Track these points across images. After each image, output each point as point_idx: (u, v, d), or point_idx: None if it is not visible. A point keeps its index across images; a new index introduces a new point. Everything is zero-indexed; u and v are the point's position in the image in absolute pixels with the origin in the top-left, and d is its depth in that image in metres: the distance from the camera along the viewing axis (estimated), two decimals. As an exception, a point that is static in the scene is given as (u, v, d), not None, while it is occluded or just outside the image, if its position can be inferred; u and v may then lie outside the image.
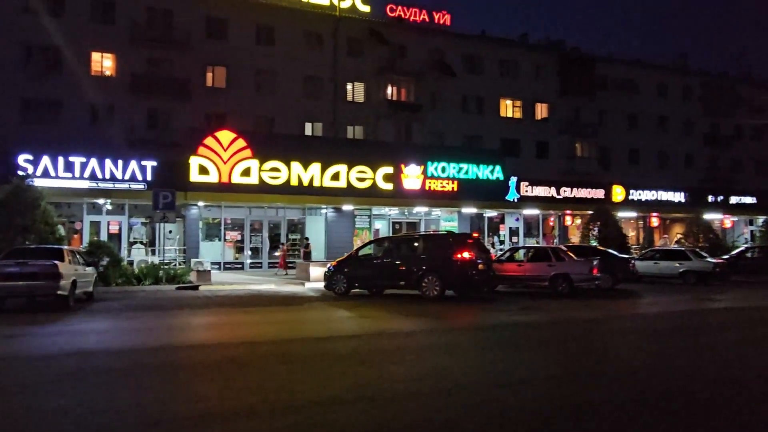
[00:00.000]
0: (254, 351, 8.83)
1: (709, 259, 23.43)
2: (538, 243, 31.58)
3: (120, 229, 23.87)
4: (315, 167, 23.70)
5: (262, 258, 25.82)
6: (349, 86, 37.27)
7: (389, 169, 24.99)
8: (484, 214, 30.63)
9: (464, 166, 26.34)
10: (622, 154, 44.49)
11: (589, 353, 9.00)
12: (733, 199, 33.90)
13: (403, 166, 25.20)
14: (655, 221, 33.68)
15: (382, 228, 28.48)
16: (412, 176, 25.42)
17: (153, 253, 23.86)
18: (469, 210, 28.20)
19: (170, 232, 25.36)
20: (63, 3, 30.51)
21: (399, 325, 11.90)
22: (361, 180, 24.66)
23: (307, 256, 21.61)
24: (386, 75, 37.94)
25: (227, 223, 25.23)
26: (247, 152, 22.55)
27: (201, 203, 23.57)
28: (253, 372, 7.41)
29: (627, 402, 6.06)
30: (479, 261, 16.68)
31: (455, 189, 26.18)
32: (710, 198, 33.39)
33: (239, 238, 25.37)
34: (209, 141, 22.07)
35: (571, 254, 19.56)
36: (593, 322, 12.58)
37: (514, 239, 31.12)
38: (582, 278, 18.47)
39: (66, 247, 15.51)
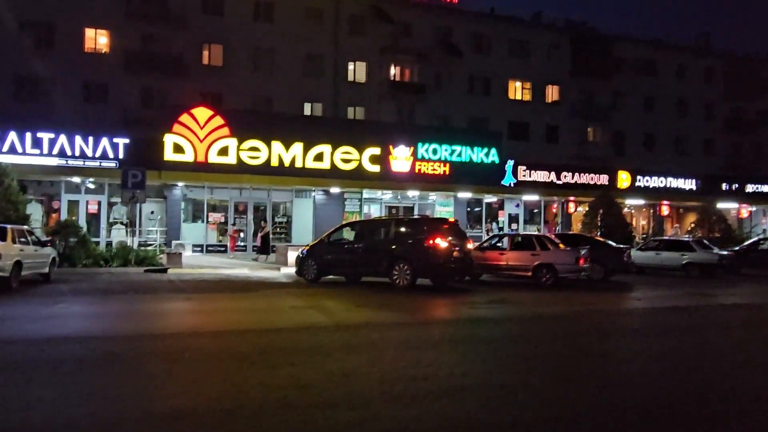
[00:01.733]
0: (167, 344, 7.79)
1: (715, 251, 21.48)
2: (539, 230, 29.77)
3: (99, 209, 22.94)
4: (297, 147, 22.27)
5: (246, 241, 24.70)
6: (350, 66, 35.62)
7: (376, 150, 23.43)
8: (484, 200, 28.95)
9: (457, 148, 24.60)
10: (636, 140, 41.98)
11: (532, 358, 7.55)
12: (750, 187, 31.37)
13: (391, 147, 23.60)
14: (665, 210, 31.46)
15: (374, 212, 27.05)
16: (400, 158, 23.83)
17: (134, 234, 22.94)
18: (465, 195, 26.54)
19: (152, 212, 24.39)
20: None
21: (344, 318, 10.61)
22: (346, 161, 23.17)
23: (264, 240, 20.25)
24: (389, 54, 36.15)
25: (210, 205, 24.13)
26: (225, 130, 21.24)
27: (181, 183, 22.46)
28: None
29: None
30: (454, 248, 15.08)
31: (447, 172, 24.50)
32: (724, 186, 30.96)
33: (223, 220, 24.26)
34: (185, 118, 20.80)
35: (558, 242, 17.91)
36: (562, 319, 11.04)
37: (514, 226, 29.35)
38: (567, 269, 16.83)
39: (11, 225, 14.51)
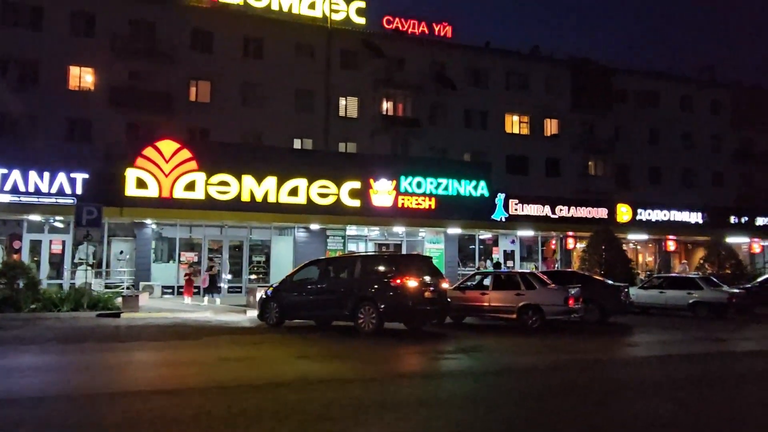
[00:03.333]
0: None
1: (724, 288, 19.30)
2: (536, 268, 27.71)
3: (63, 249, 21.51)
4: (270, 181, 20.70)
5: (220, 282, 22.99)
6: (342, 101, 34.51)
7: (356, 184, 21.78)
8: (477, 236, 27.07)
9: (443, 181, 22.85)
10: (641, 173, 40.02)
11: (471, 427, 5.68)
12: (761, 221, 29.03)
13: (372, 180, 21.94)
14: (671, 245, 29.24)
15: (359, 251, 25.27)
16: (382, 192, 22.14)
17: (99, 275, 21.43)
18: (455, 230, 24.71)
19: (121, 252, 22.85)
20: (41, 15, 29.05)
21: (271, 373, 8.79)
22: (324, 196, 21.53)
23: (213, 281, 18.46)
24: (382, 88, 35.02)
25: (183, 243, 22.55)
26: (192, 164, 19.80)
27: (149, 221, 20.99)
28: None
29: None
30: (426, 288, 13.16)
31: (433, 207, 22.73)
32: (733, 219, 28.72)
33: (196, 259, 22.64)
34: (149, 151, 19.43)
35: (546, 281, 15.96)
36: (535, 373, 9.01)
37: (509, 263, 27.34)
38: (556, 310, 14.79)
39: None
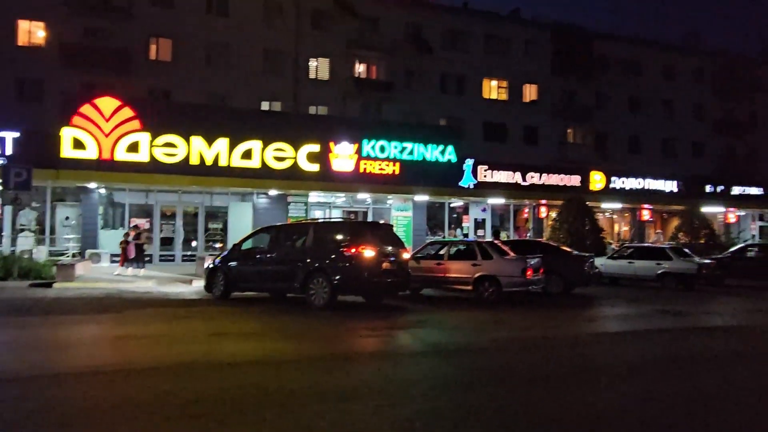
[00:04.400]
0: None
1: (694, 259, 18.34)
2: (508, 237, 26.63)
3: (2, 214, 19.98)
4: (221, 143, 19.15)
5: (174, 250, 21.67)
6: (312, 62, 32.69)
7: (315, 147, 20.31)
8: (447, 204, 25.84)
9: (408, 145, 21.42)
10: (621, 141, 38.80)
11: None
12: (736, 190, 28.00)
13: (332, 144, 20.49)
14: (646, 214, 28.24)
15: (325, 218, 23.93)
16: (343, 156, 20.70)
17: (43, 242, 20.01)
18: (422, 198, 23.45)
19: (67, 218, 21.36)
20: (-15, -35, 26.79)
21: (179, 353, 7.55)
22: (280, 159, 20.06)
23: (140, 250, 17.09)
24: (354, 50, 33.21)
25: (133, 209, 21.09)
26: (136, 123, 18.17)
27: (93, 185, 19.46)
28: None
29: None
30: (384, 258, 11.96)
31: (397, 172, 21.34)
32: (709, 188, 27.68)
33: (147, 226, 21.21)
34: (86, 109, 17.73)
35: (506, 250, 14.84)
36: (464, 354, 7.88)
37: (480, 232, 26.24)
38: (513, 281, 13.71)
39: None
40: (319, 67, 32.65)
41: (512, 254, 14.53)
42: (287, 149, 20.01)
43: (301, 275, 12.03)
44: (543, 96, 37.14)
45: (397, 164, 21.35)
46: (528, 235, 26.66)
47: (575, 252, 16.57)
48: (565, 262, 15.62)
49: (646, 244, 21.84)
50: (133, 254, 16.68)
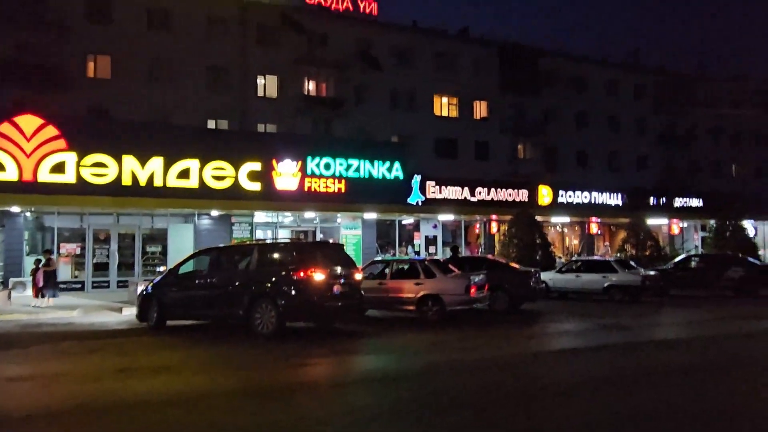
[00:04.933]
0: None
1: (639, 271, 18.36)
2: (460, 253, 26.30)
3: None
4: (156, 162, 18.11)
5: (109, 276, 20.36)
6: (260, 79, 31.96)
7: (256, 166, 19.50)
8: (398, 221, 25.35)
9: (354, 162, 20.86)
10: (569, 156, 39.36)
11: None
12: (678, 202, 28.66)
13: (275, 161, 19.78)
14: (594, 227, 28.49)
15: (273, 238, 23.02)
16: (286, 174, 19.96)
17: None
18: (371, 216, 22.90)
19: (-11, 244, 19.90)
20: None
21: (64, 397, 6.67)
22: (219, 179, 19.15)
23: (49, 277, 15.85)
24: (303, 67, 32.63)
25: (62, 233, 19.72)
26: (61, 143, 16.95)
27: (16, 208, 18.05)
28: None
29: None
30: (335, 280, 11.15)
31: (343, 190, 20.73)
32: (652, 200, 28.21)
33: (78, 251, 19.90)
34: (5, 128, 16.41)
35: (450, 268, 14.40)
36: (380, 383, 7.31)
37: (431, 249, 25.85)
38: (457, 300, 13.24)
39: None
40: (267, 84, 31.92)
41: (456, 272, 14.10)
42: (227, 168, 19.13)
43: (245, 301, 11.13)
44: (493, 112, 37.39)
45: (343, 182, 20.74)
46: (480, 250, 26.44)
47: (521, 267, 16.26)
48: (511, 278, 15.27)
49: (592, 258, 21.87)
50: (41, 283, 15.34)
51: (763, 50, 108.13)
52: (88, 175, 17.39)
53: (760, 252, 32.20)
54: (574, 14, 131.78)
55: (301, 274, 10.87)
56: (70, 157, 17.08)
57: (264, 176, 19.57)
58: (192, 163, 18.57)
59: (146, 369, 8.41)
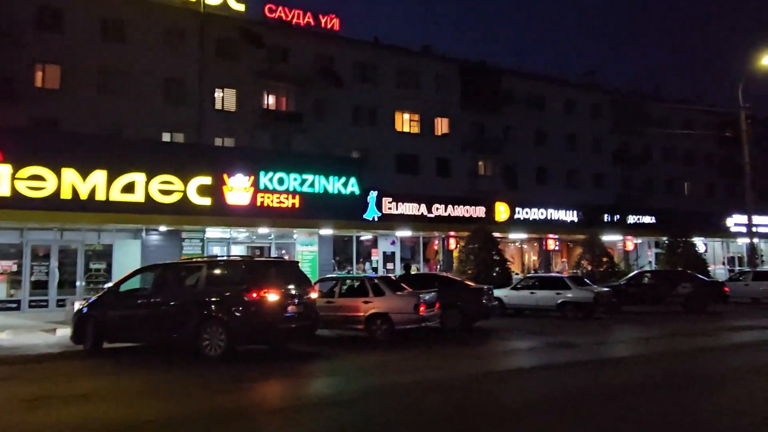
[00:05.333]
0: None
1: (592, 288, 18.38)
2: (418, 270, 26.06)
3: None
4: (98, 176, 17.27)
5: (48, 294, 19.28)
6: (218, 93, 31.35)
7: (206, 180, 18.85)
8: (357, 237, 24.95)
9: (309, 177, 20.43)
10: (529, 173, 39.79)
11: None
12: (631, 219, 29.20)
13: (226, 176, 19.20)
14: (551, 244, 28.69)
15: (227, 255, 22.27)
16: (238, 189, 19.38)
17: None
18: (328, 232, 22.45)
19: None
20: None
21: None
22: (167, 193, 18.42)
23: None
24: (263, 81, 32.13)
25: (-2, 249, 18.58)
26: (-6, 155, 16.19)
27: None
28: None
29: None
30: (290, 300, 10.56)
31: (297, 205, 20.25)
32: (607, 217, 28.67)
33: (15, 268, 18.80)
34: (-67, 139, 15.62)
35: (401, 286, 14.04)
36: (331, 405, 6.85)
37: (389, 266, 25.51)
38: (406, 318, 12.88)
39: None
40: (225, 98, 31.32)
41: (407, 290, 13.76)
42: (175, 182, 18.42)
43: (193, 322, 10.44)
44: (454, 129, 37.56)
45: (298, 197, 20.25)
46: (438, 267, 26.22)
47: (473, 284, 16.04)
48: (463, 296, 15.00)
49: (546, 274, 21.87)
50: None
51: (712, 74, 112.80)
52: (23, 188, 16.46)
53: (710, 268, 32.98)
54: (534, 34, 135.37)
55: (254, 294, 10.27)
56: (4, 169, 16.15)
57: (214, 191, 18.93)
58: (138, 177, 17.81)
59: (62, 398, 7.71)
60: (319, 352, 11.58)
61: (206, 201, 18.84)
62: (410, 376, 9.06)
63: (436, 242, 26.90)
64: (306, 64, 32.89)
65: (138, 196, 17.87)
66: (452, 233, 25.72)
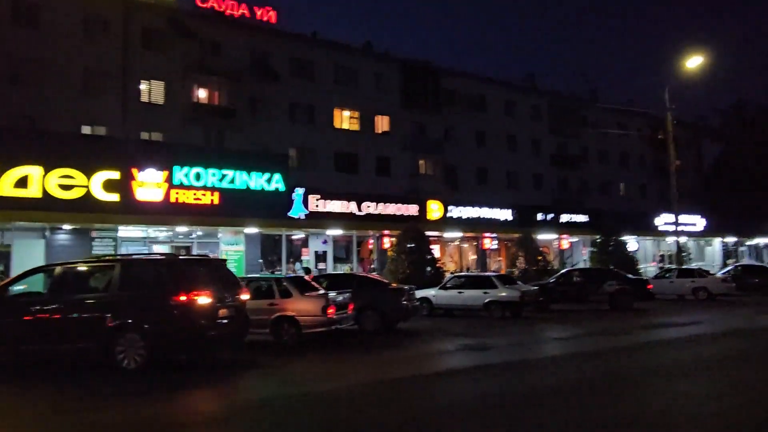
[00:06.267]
0: None
1: (519, 287, 17.91)
2: (351, 270, 25.14)
3: None
4: (-15, 169, 15.67)
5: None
6: (143, 85, 29.46)
7: (113, 174, 17.28)
8: (288, 236, 23.76)
9: (229, 173, 19.12)
10: (470, 173, 39.53)
11: None
12: (564, 218, 29.24)
13: (135, 170, 17.71)
14: (487, 242, 28.34)
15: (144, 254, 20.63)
16: (149, 184, 17.95)
17: None
18: (253, 230, 21.20)
19: None
20: None
21: None
22: (67, 188, 16.77)
23: None
24: (194, 75, 30.36)
25: None
26: None
27: None
28: None
29: None
30: (220, 304, 9.47)
31: (216, 202, 18.95)
32: (540, 216, 28.59)
33: None
34: None
35: (313, 286, 13.04)
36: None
37: (321, 266, 24.46)
38: (315, 321, 11.89)
39: None
40: (152, 90, 29.44)
41: (320, 290, 12.77)
42: (77, 176, 16.77)
43: (104, 331, 8.95)
44: (395, 128, 36.84)
45: (217, 193, 18.91)
46: (372, 266, 25.38)
47: (394, 285, 15.22)
48: (381, 297, 14.14)
49: (473, 273, 21.37)
50: None
51: (646, 78, 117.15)
52: None
53: (642, 266, 33.52)
54: (476, 35, 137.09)
55: (182, 297, 8.97)
56: None
57: (123, 186, 17.37)
58: (33, 170, 16.09)
59: None
60: (246, 358, 10.42)
61: (113, 197, 17.27)
62: (294, 388, 8.06)
63: (371, 241, 26.05)
64: (240, 57, 31.42)
65: (33, 191, 16.14)
66: (386, 232, 24.90)
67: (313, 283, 13.41)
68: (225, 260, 12.80)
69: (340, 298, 12.37)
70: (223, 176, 18.94)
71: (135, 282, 9.41)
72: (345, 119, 35.47)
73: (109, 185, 17.19)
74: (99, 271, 9.99)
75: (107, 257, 11.96)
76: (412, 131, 37.41)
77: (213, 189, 18.78)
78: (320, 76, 34.32)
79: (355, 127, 35.66)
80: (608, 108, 44.23)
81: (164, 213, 17.96)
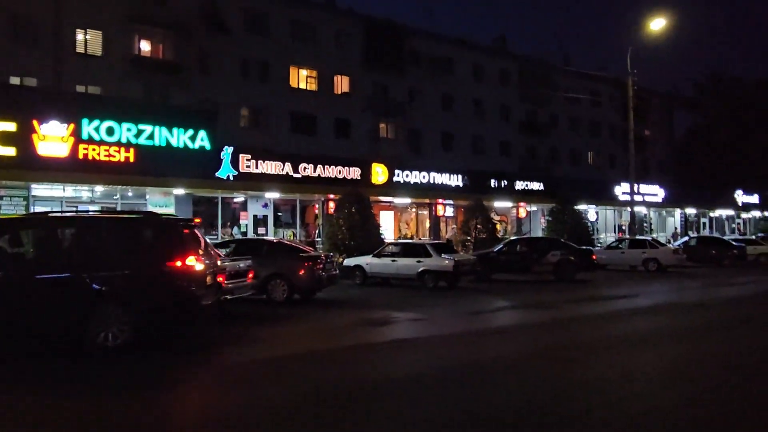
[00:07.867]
0: None
1: (453, 256, 16.67)
2: (294, 235, 23.75)
3: None
4: None
5: None
6: (80, 35, 27.18)
7: (9, 126, 15.49)
8: (225, 198, 22.18)
9: (147, 128, 17.30)
10: (434, 138, 37.93)
11: None
12: (519, 185, 27.99)
13: (36, 122, 15.92)
14: (441, 209, 27.03)
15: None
16: (53, 138, 16.18)
17: None
18: (180, 191, 19.58)
19: None
20: None
21: None
22: (-48, 139, 15.07)
23: None
24: (135, 25, 28.10)
25: None
26: None
27: None
28: None
29: None
30: (209, 270, 8.35)
31: (132, 159, 17.26)
32: (493, 183, 27.30)
33: None
34: None
35: (213, 253, 11.62)
36: None
37: (261, 230, 23.01)
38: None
39: None
40: (89, 40, 27.19)
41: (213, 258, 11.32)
42: (-36, 126, 14.96)
43: (78, 307, 7.36)
44: (355, 89, 34.97)
45: (132, 150, 17.16)
46: (317, 232, 24.00)
47: (311, 252, 13.87)
48: (290, 265, 12.78)
49: (407, 241, 20.14)
50: None
51: (619, 44, 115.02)
52: None
53: (601, 236, 32.63)
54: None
55: (177, 263, 7.60)
56: None
57: (21, 139, 15.58)
58: None
59: None
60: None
61: (9, 151, 15.47)
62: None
63: (317, 206, 24.59)
64: (188, 8, 29.10)
65: None
66: (331, 196, 23.40)
67: (212, 249, 11.96)
68: (193, 219, 11.31)
69: (240, 265, 10.98)
70: (140, 132, 17.16)
71: (103, 246, 7.88)
72: (302, 78, 33.50)
73: (4, 138, 15.37)
74: (48, 232, 8.03)
75: (59, 214, 9.95)
76: (374, 93, 35.58)
77: (128, 145, 17.02)
78: (276, 32, 32.16)
79: (313, 87, 33.73)
80: (580, 73, 42.60)
81: (71, 170, 16.21)
